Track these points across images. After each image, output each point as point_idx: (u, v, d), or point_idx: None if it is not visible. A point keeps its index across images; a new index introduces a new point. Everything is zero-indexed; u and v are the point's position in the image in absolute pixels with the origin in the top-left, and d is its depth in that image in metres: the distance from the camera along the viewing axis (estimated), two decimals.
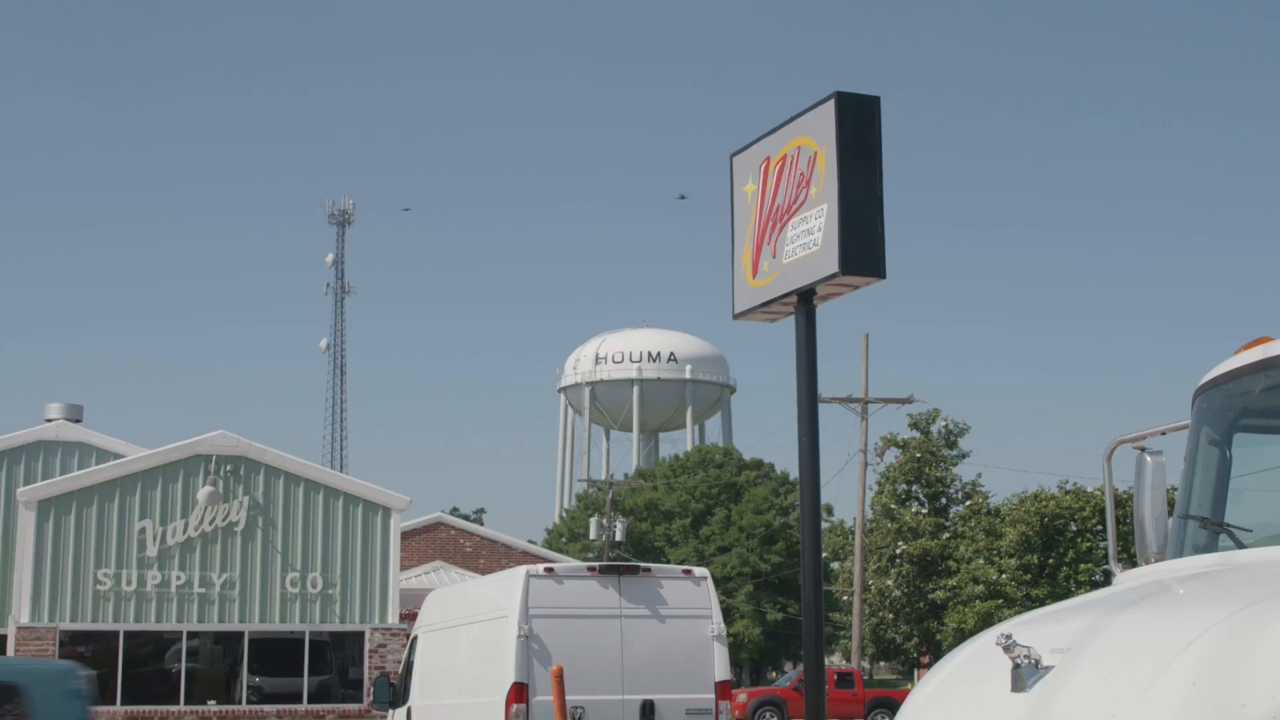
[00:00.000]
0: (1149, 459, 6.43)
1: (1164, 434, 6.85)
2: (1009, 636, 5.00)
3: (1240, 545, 5.87)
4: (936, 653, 54.46)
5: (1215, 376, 6.44)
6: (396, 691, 19.49)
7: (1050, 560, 51.95)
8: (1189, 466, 6.47)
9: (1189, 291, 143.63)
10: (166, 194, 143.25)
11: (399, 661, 30.62)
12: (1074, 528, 52.41)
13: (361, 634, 32.31)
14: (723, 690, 16.51)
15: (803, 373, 10.71)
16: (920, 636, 55.09)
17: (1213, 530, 6.11)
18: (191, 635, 31.36)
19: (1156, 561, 6.27)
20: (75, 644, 30.64)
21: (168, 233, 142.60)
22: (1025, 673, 4.95)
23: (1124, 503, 44.17)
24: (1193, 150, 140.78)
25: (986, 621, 48.21)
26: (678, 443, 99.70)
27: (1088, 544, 51.86)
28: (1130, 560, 6.64)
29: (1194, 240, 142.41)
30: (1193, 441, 6.50)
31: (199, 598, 31.27)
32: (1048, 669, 4.93)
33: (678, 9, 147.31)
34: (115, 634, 30.73)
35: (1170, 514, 6.42)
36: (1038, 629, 5.29)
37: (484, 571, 40.84)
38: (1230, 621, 4.61)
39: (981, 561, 51.79)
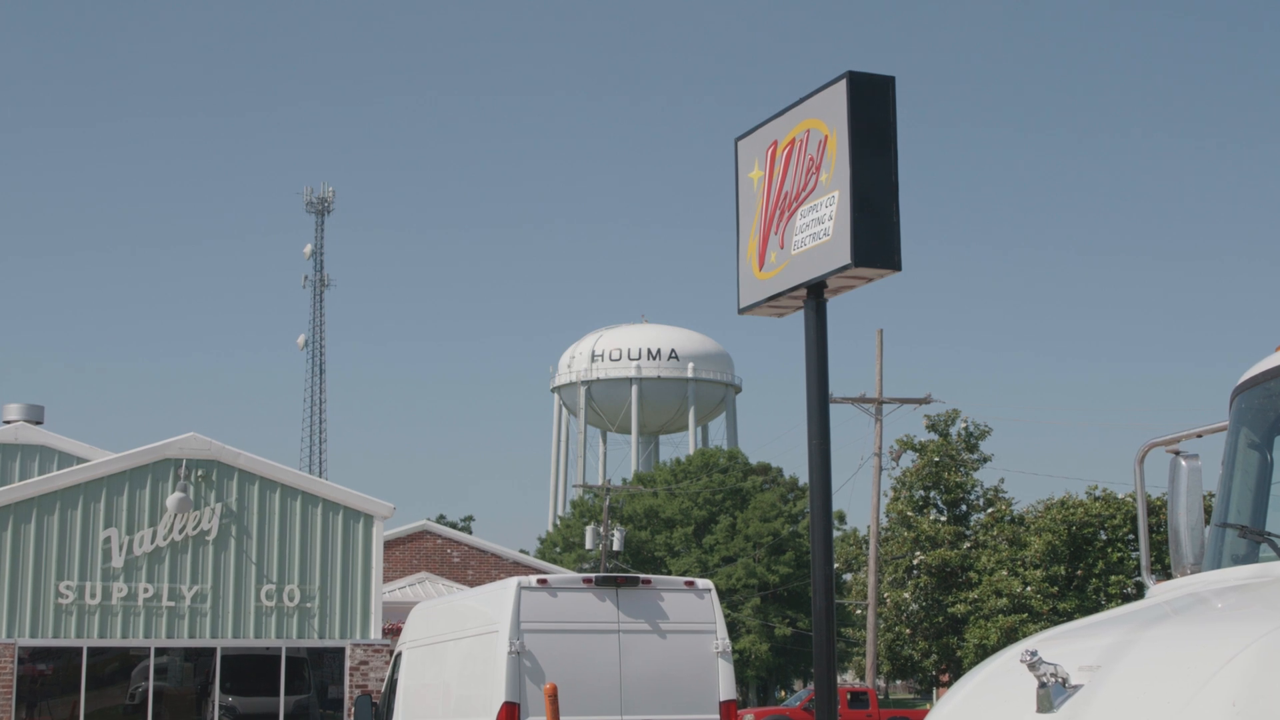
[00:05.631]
0: (1184, 463, 6.41)
1: (1200, 436, 6.84)
2: (1034, 653, 5.00)
3: None
4: (956, 670, 54.50)
5: (1254, 375, 6.42)
6: (379, 711, 19.51)
7: (1078, 572, 51.97)
8: (1227, 471, 6.45)
9: (1227, 286, 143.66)
10: (132, 180, 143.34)
11: (382, 680, 30.62)
12: (1104, 537, 52.44)
13: (342, 650, 32.31)
14: (727, 710, 16.52)
15: (813, 371, 10.67)
16: (939, 653, 55.11)
17: (1253, 539, 6.09)
18: (160, 652, 31.34)
19: (1193, 573, 6.27)
20: (35, 661, 30.64)
21: (132, 223, 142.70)
22: (1052, 692, 4.94)
23: (1158, 510, 44.22)
24: (1229, 141, 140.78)
25: (1010, 637, 48.25)
26: (679, 445, 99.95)
27: (1119, 554, 51.89)
28: (1165, 572, 6.63)
29: (1232, 233, 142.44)
30: (1231, 444, 6.48)
31: (168, 611, 31.25)
32: (1076, 688, 4.93)
33: None
34: (78, 650, 30.72)
35: (1207, 522, 6.41)
36: (1065, 645, 5.30)
37: (473, 583, 40.85)
38: (1272, 637, 4.60)
39: (1005, 573, 51.80)
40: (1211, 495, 6.80)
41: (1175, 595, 5.89)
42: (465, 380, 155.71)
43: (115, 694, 31.26)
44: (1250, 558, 6.04)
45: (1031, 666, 4.97)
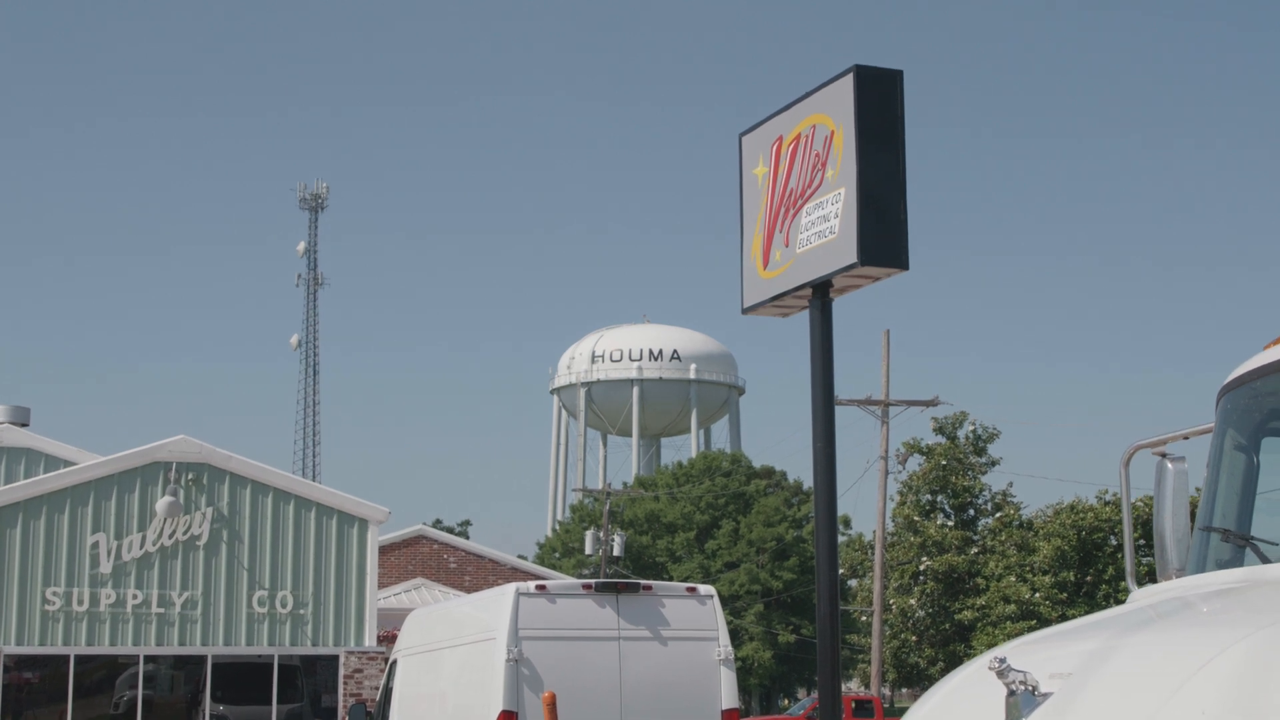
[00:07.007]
0: (1170, 466, 6.40)
1: (1186, 438, 6.83)
2: (1003, 660, 4.95)
3: (1266, 560, 5.87)
4: None
5: (1241, 375, 6.39)
6: None
7: (1088, 577, 52.06)
8: (1212, 473, 6.43)
9: (1233, 287, 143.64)
10: (123, 177, 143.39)
11: (376, 688, 30.78)
12: (1114, 542, 52.50)
13: (336, 658, 32.46)
14: (730, 719, 16.64)
15: (818, 372, 10.70)
16: (946, 660, 55.18)
17: (1237, 543, 6.10)
18: (149, 659, 31.49)
19: (1177, 577, 6.25)
20: (21, 669, 30.80)
21: (122, 220, 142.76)
22: (1020, 701, 4.89)
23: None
24: (1229, 140, 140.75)
25: None
26: (681, 448, 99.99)
27: None
28: (1153, 577, 6.70)
29: (1228, 232, 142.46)
30: (1216, 446, 6.46)
31: (157, 618, 31.41)
32: (1046, 696, 4.89)
33: None
34: (65, 658, 30.87)
35: (1193, 526, 6.39)
36: (1039, 652, 5.28)
37: (470, 589, 41.01)
38: (1251, 641, 4.59)
39: (1013, 579, 51.90)
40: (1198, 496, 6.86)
41: (1157, 600, 5.89)
42: (463, 382, 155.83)
43: (103, 702, 31.39)
44: (1235, 562, 6.03)
45: (1000, 674, 4.91)
